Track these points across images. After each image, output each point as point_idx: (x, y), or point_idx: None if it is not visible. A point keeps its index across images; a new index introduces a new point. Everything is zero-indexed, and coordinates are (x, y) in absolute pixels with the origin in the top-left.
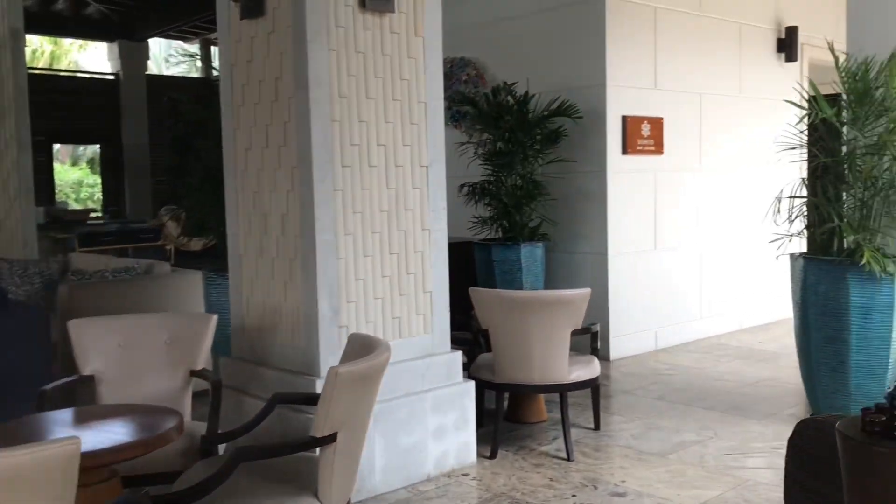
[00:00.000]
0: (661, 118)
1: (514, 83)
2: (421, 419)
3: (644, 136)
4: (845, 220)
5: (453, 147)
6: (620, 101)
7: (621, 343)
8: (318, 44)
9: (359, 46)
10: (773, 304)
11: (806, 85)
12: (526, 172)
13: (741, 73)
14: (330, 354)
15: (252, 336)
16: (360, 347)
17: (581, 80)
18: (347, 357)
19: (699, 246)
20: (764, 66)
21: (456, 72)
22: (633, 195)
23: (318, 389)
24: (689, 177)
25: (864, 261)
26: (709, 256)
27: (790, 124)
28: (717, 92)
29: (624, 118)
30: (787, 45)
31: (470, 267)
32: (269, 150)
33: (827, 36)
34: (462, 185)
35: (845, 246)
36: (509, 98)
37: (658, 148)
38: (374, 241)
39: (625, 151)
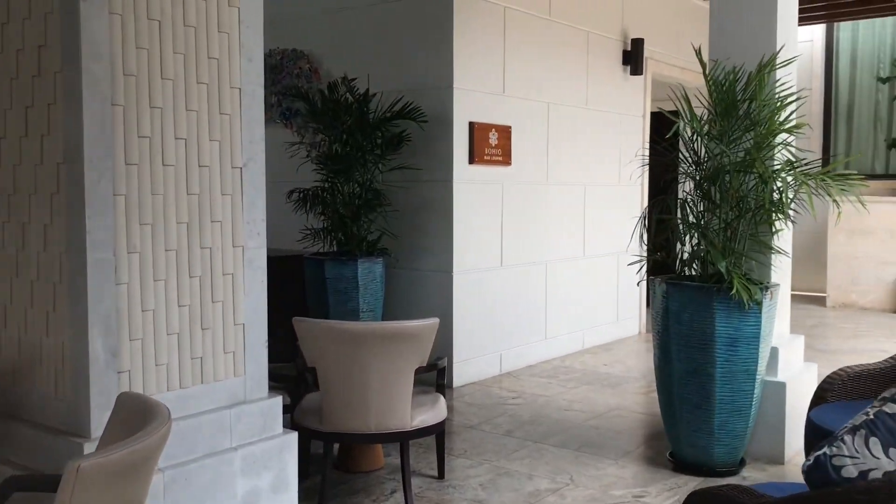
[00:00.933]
0: (510, 127)
1: (354, 79)
2: (228, 485)
3: (492, 144)
4: (712, 242)
5: (282, 148)
6: (468, 106)
7: (465, 369)
8: (94, 3)
9: (152, 12)
10: (614, 324)
11: (648, 100)
12: (365, 179)
13: (588, 83)
14: (105, 410)
15: (4, 382)
16: (132, 415)
17: (427, 81)
18: (112, 428)
19: (545, 263)
20: (610, 78)
21: (287, 64)
22: (481, 208)
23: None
24: (536, 190)
25: (734, 289)
26: (554, 274)
27: (658, 139)
28: (565, 102)
29: (471, 125)
30: (633, 57)
31: (299, 284)
32: (29, 139)
33: (668, 51)
34: (292, 192)
35: (710, 271)
36: (348, 95)
37: (506, 158)
38: (169, 260)
39: (472, 161)
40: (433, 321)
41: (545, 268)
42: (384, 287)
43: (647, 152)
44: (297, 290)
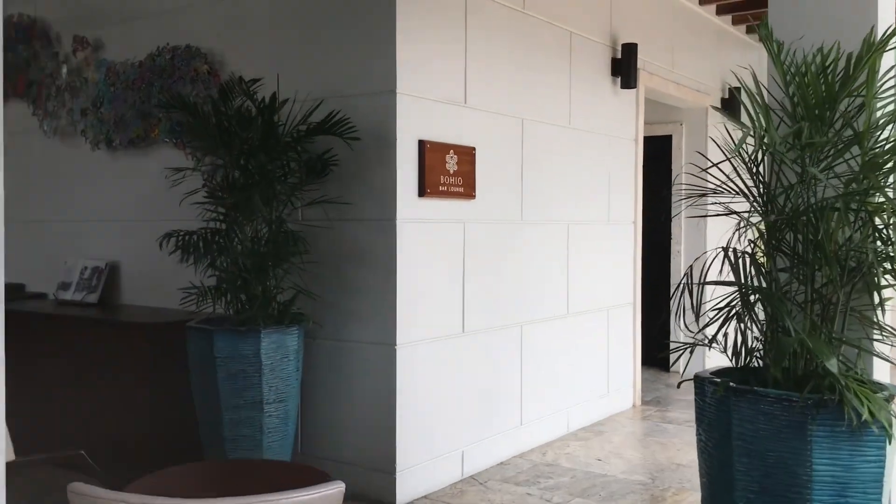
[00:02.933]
0: (473, 148)
1: (258, 81)
2: None
3: (450, 171)
4: (811, 326)
5: (163, 175)
6: (417, 119)
7: (413, 478)
8: None
9: None
10: (604, 398)
11: (641, 120)
12: (274, 218)
13: (572, 97)
14: None
15: None
16: None
17: (359, 85)
18: None
19: (520, 326)
20: (597, 91)
21: (179, 65)
22: (435, 256)
23: None
24: (508, 231)
25: (845, 404)
26: (531, 339)
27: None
28: (544, 119)
29: (422, 144)
30: (625, 66)
31: (181, 362)
32: None
33: (663, 63)
34: (168, 236)
35: (797, 370)
36: (249, 104)
37: (468, 190)
38: None
39: (422, 192)
40: (333, 490)
41: (520, 332)
42: (301, 367)
43: (638, 181)
44: (180, 370)
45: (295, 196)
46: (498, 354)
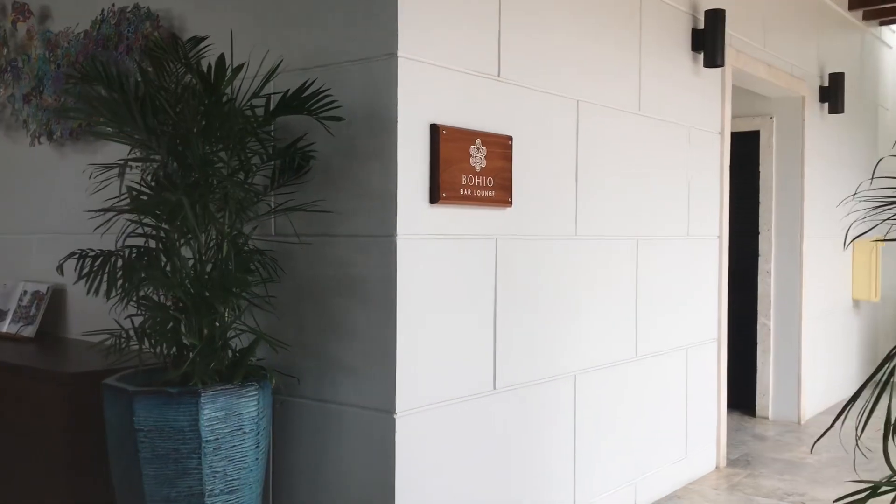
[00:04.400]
0: (509, 138)
1: (201, 41)
2: None
3: (475, 168)
4: None
5: (81, 174)
6: (428, 95)
7: None
8: None
9: None
10: (682, 461)
11: (727, 108)
12: (224, 233)
13: (642, 75)
14: None
15: None
16: None
17: (347, 48)
18: None
19: (572, 377)
20: (675, 70)
21: (126, 32)
22: (455, 285)
23: None
24: (558, 251)
25: None
26: (587, 393)
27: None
28: (606, 101)
29: (435, 130)
30: (709, 39)
31: (98, 432)
32: None
33: (753, 40)
34: (79, 256)
35: None
36: (185, 72)
37: (502, 195)
38: None
39: (435, 198)
40: None
41: (572, 385)
42: (265, 441)
43: (725, 184)
44: (94, 444)
45: (262, 201)
46: (542, 416)
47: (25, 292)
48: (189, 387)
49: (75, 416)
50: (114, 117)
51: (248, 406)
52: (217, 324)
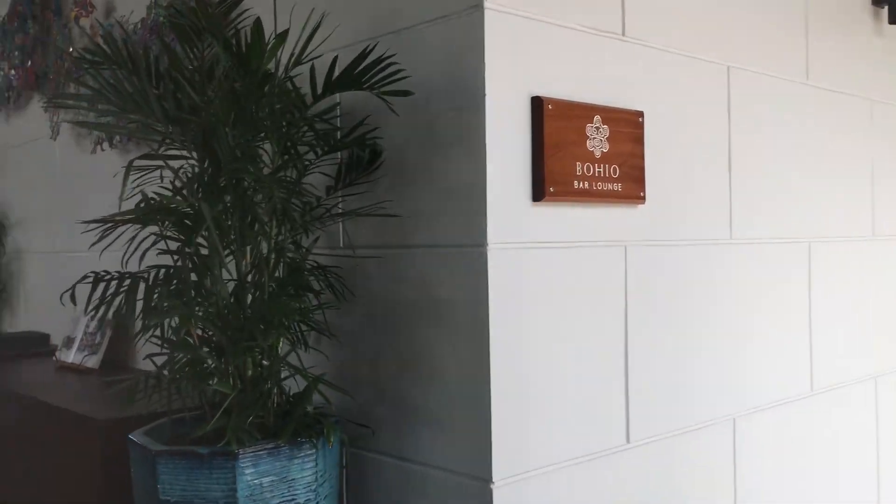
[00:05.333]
0: (639, 114)
1: (240, 4)
2: None
3: (594, 154)
4: None
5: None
6: (528, 59)
7: None
8: None
9: None
10: None
11: None
12: (270, 247)
13: (809, 35)
14: None
15: None
16: None
17: (423, 8)
18: None
19: (731, 420)
20: (850, 28)
21: (177, 16)
22: (567, 310)
23: None
24: (708, 259)
25: None
26: (750, 442)
27: None
28: (765, 68)
29: (538, 105)
30: None
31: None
32: None
33: None
34: (94, 279)
35: None
36: (212, 41)
37: (631, 188)
38: None
39: (540, 194)
40: None
41: (731, 431)
42: None
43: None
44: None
45: (321, 205)
46: (692, 475)
47: (92, 317)
48: (224, 446)
49: (106, 473)
50: (127, 105)
51: (304, 469)
52: (261, 364)
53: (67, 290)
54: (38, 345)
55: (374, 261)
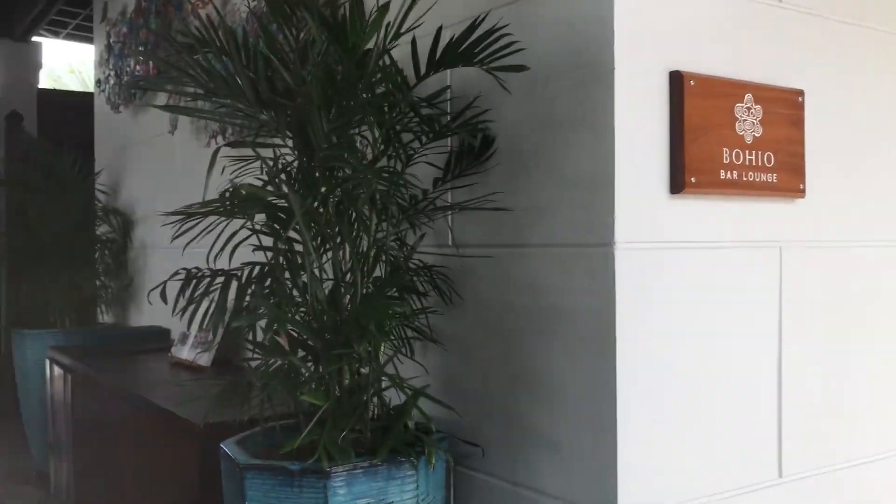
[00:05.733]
0: (799, 92)
1: None
2: None
3: (745, 140)
4: None
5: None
6: (663, 29)
7: None
8: None
9: None
10: None
11: None
12: (378, 243)
13: None
14: None
15: None
16: None
17: None
18: None
19: None
20: None
21: None
22: (708, 322)
23: None
24: (882, 264)
25: None
26: None
27: None
28: None
29: (677, 81)
30: None
31: None
32: None
33: None
34: (184, 277)
35: None
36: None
37: (789, 179)
38: None
39: (679, 185)
40: None
41: None
42: None
43: None
44: None
45: (427, 199)
46: None
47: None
48: (315, 462)
49: (203, 482)
50: (218, 88)
51: (404, 492)
52: (358, 372)
53: (157, 287)
54: (158, 340)
55: (485, 261)
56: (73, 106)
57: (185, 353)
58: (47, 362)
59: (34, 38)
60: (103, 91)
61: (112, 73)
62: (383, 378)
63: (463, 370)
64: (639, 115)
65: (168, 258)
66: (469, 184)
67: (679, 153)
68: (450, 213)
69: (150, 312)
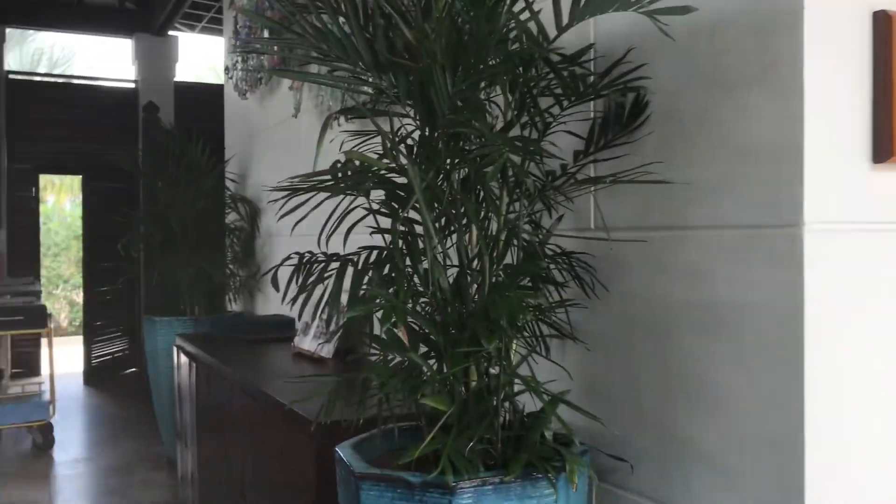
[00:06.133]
0: None
1: None
2: None
3: None
4: None
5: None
6: None
7: None
8: None
9: None
10: None
11: None
12: (509, 225)
13: None
14: None
15: None
16: None
17: None
18: None
19: None
20: None
21: None
22: None
23: None
24: None
25: None
26: None
27: None
28: None
29: (884, 23)
30: None
31: None
32: None
33: None
34: (297, 263)
35: None
36: None
37: None
38: None
39: (884, 153)
40: None
41: None
42: None
43: None
44: None
45: (566, 174)
46: None
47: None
48: (439, 476)
49: (323, 481)
50: (332, 49)
51: None
52: (487, 373)
53: (268, 271)
54: (283, 329)
55: (636, 246)
56: (207, 97)
57: (307, 343)
58: (174, 350)
59: (170, 33)
60: (231, 78)
61: (239, 59)
62: (516, 381)
63: (608, 373)
64: (833, 68)
65: (293, 246)
66: (616, 156)
67: (885, 113)
68: (594, 188)
69: (277, 301)
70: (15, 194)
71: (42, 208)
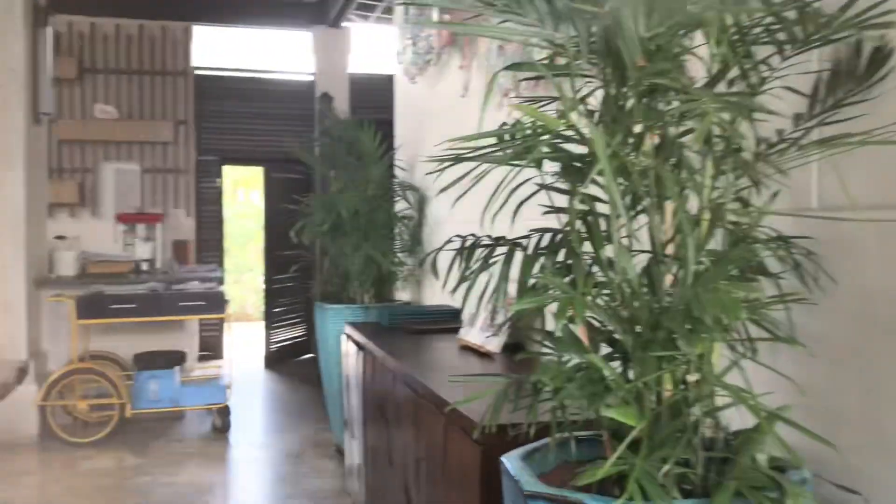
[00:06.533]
0: None
1: None
2: None
3: None
4: None
5: None
6: None
7: None
8: None
9: None
10: None
11: None
12: (713, 203)
13: None
14: None
15: None
16: None
17: None
18: None
19: None
20: None
21: None
22: None
23: None
24: None
25: None
26: None
27: None
28: None
29: None
30: None
31: None
32: None
33: None
34: (459, 247)
35: None
36: None
37: None
38: None
39: None
40: None
41: None
42: None
43: None
44: None
45: (785, 141)
46: None
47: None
48: (626, 502)
49: (490, 489)
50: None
51: None
52: (685, 381)
53: (428, 255)
54: (449, 320)
55: (874, 229)
56: (380, 87)
57: (473, 335)
58: (343, 338)
59: (345, 24)
60: (401, 63)
61: (410, 42)
62: (719, 391)
63: (835, 385)
64: None
65: (459, 233)
66: (847, 117)
67: None
68: (816, 157)
69: (444, 290)
70: (202, 185)
71: (233, 201)
